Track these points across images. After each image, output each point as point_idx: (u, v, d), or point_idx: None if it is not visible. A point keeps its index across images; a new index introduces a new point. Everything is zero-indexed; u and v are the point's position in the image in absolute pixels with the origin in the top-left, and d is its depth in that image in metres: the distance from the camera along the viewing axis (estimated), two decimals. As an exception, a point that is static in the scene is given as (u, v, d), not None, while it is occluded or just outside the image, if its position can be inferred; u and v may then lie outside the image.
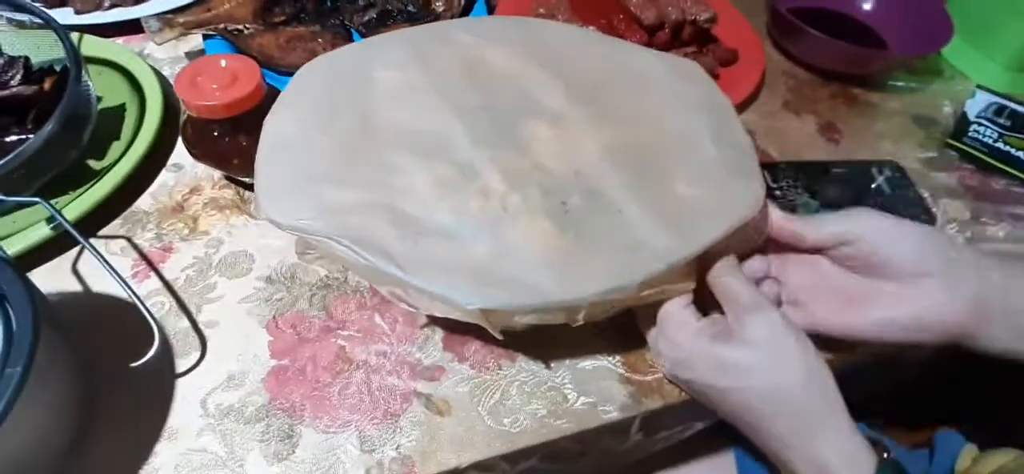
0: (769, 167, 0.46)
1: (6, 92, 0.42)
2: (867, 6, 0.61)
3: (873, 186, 0.46)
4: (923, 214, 0.44)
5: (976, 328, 0.31)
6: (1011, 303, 0.31)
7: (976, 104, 0.49)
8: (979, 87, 0.49)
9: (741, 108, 0.53)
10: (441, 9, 0.58)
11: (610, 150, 0.34)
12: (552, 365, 0.36)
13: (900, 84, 0.57)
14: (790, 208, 0.40)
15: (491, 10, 0.60)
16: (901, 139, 0.52)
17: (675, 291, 0.31)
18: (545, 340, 0.36)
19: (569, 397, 0.35)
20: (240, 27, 0.53)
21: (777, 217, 0.35)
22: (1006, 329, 0.31)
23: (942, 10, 0.56)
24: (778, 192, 0.45)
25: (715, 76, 0.54)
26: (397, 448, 0.33)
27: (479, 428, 0.33)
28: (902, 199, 0.45)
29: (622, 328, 0.37)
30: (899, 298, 0.32)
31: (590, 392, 0.35)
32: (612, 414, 0.35)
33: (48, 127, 0.38)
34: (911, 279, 0.32)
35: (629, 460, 0.40)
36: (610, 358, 0.37)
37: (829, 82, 0.57)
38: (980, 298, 0.31)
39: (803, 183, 0.45)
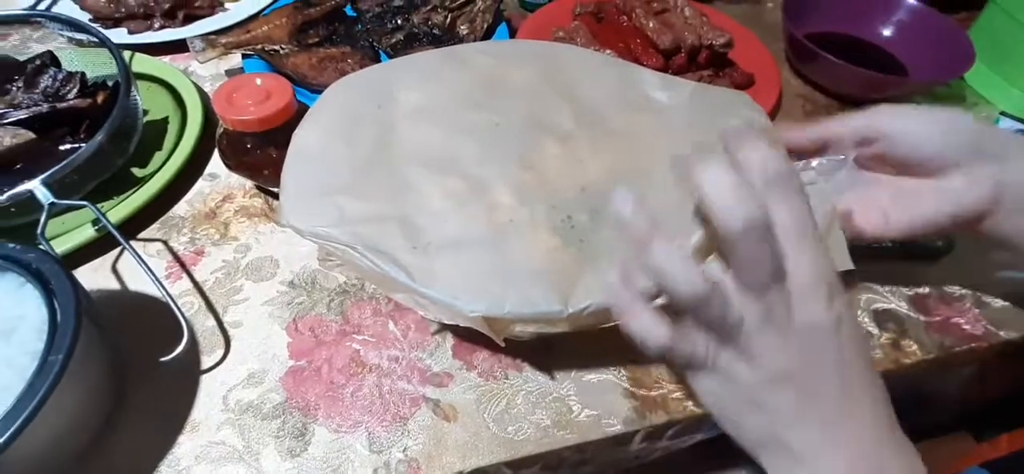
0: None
1: (64, 104, 0.46)
2: (887, 32, 0.61)
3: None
4: (940, 239, 0.44)
5: (996, 210, 0.31)
6: None
7: (999, 131, 0.48)
8: (1003, 114, 0.49)
9: (757, 132, 0.53)
10: (465, 32, 0.61)
11: (616, 170, 0.35)
12: (557, 376, 0.37)
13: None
14: None
15: (512, 34, 0.62)
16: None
17: None
18: (552, 351, 0.37)
19: (573, 409, 0.36)
20: (276, 48, 0.57)
21: (795, 132, 0.34)
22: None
23: (963, 36, 0.56)
24: None
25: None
26: (404, 450, 0.34)
27: (484, 435, 0.34)
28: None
29: (628, 342, 0.37)
30: (923, 190, 0.32)
31: (594, 405, 0.36)
32: (615, 427, 0.35)
33: (99, 137, 0.42)
34: (936, 169, 0.32)
35: (631, 466, 0.40)
36: (615, 371, 0.37)
37: (847, 107, 0.57)
38: (1003, 180, 0.31)
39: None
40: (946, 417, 0.55)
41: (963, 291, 0.42)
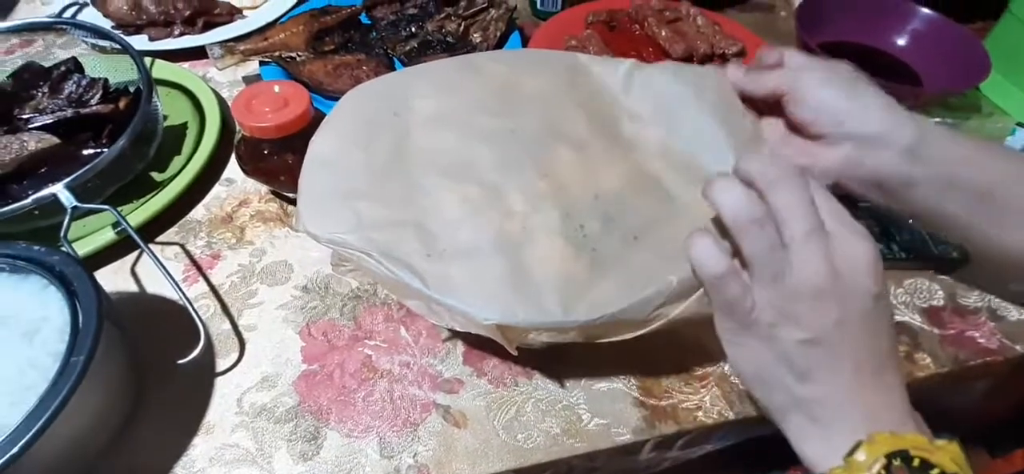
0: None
1: (87, 110, 0.47)
2: (901, 41, 0.60)
3: (902, 222, 0.45)
4: (954, 251, 0.43)
5: (907, 179, 0.33)
6: (942, 153, 0.33)
7: (1016, 141, 0.48)
8: (1019, 124, 0.48)
9: (769, 141, 0.53)
10: (478, 40, 0.61)
11: (629, 178, 0.35)
12: (568, 384, 0.37)
13: (936, 120, 0.56)
14: None
15: (525, 42, 0.63)
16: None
17: (683, 320, 0.32)
18: (562, 359, 0.37)
19: (583, 417, 0.36)
20: (293, 55, 0.58)
21: (730, 72, 0.38)
22: (934, 183, 0.33)
23: (979, 46, 0.55)
24: None
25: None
26: (414, 456, 0.34)
27: (494, 442, 0.35)
28: (933, 236, 0.44)
29: (639, 351, 0.37)
30: (836, 146, 0.35)
31: (604, 413, 0.36)
32: (625, 437, 0.35)
33: (120, 142, 0.43)
34: (844, 127, 0.34)
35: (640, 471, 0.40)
36: (626, 380, 0.37)
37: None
38: (914, 149, 0.33)
39: None
40: (960, 431, 0.54)
41: (978, 304, 0.42)
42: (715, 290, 0.28)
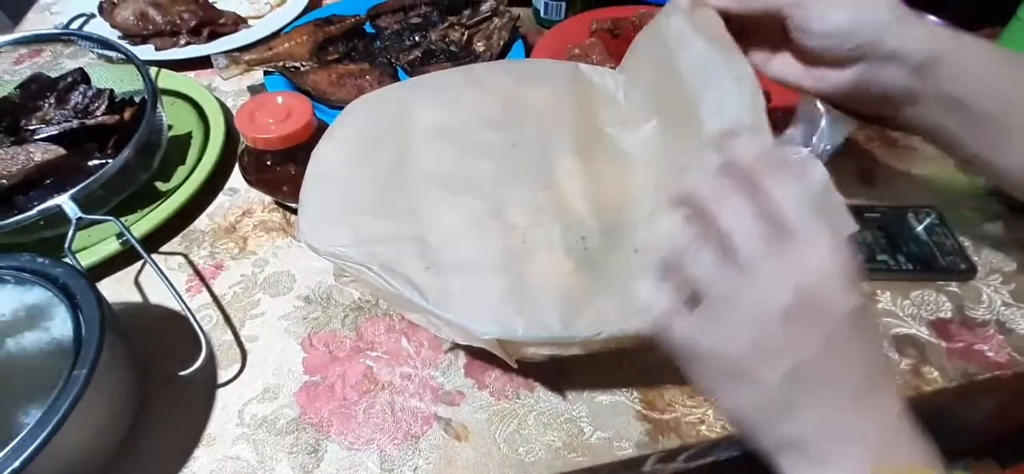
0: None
1: (93, 121, 0.47)
2: (909, 50, 0.60)
3: (909, 232, 0.45)
4: (962, 263, 0.43)
5: (912, 96, 0.32)
6: (952, 70, 0.32)
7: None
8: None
9: (774, 150, 0.53)
10: (481, 50, 0.61)
11: (631, 191, 0.35)
12: (570, 397, 0.37)
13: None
14: None
15: (528, 51, 0.63)
16: (944, 186, 0.51)
17: None
18: (564, 372, 0.37)
19: (585, 431, 0.35)
20: (297, 64, 0.58)
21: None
22: (937, 101, 0.32)
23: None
24: None
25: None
26: (415, 469, 0.34)
27: (495, 455, 0.34)
28: (940, 247, 0.44)
29: (642, 364, 0.37)
30: (846, 67, 0.33)
31: (606, 427, 0.36)
32: (627, 451, 0.35)
33: (125, 153, 0.43)
34: (858, 48, 0.33)
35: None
36: (628, 393, 0.37)
37: (866, 124, 0.56)
38: (924, 66, 0.32)
39: None
40: (970, 443, 0.54)
41: (987, 316, 0.41)
42: (663, 336, 0.25)
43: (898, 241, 0.44)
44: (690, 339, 0.24)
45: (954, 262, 0.43)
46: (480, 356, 0.38)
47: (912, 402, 0.37)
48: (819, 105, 0.34)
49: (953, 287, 0.43)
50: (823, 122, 0.33)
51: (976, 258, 0.44)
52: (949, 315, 0.41)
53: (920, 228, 0.45)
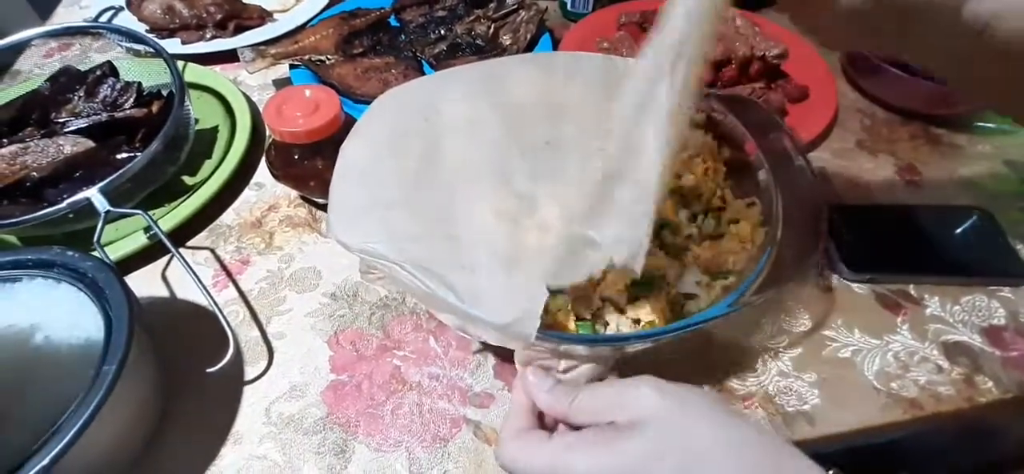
0: (837, 209, 0.44)
1: (122, 114, 0.47)
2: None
3: (957, 233, 0.43)
4: (1014, 265, 0.41)
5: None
6: None
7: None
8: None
9: (811, 146, 0.51)
10: (508, 43, 0.60)
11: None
12: (602, 402, 0.36)
13: (991, 126, 0.53)
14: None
15: (555, 44, 0.61)
16: (991, 185, 0.48)
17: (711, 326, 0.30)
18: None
19: (618, 437, 0.34)
20: (323, 58, 0.57)
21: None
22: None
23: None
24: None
25: (784, 113, 0.52)
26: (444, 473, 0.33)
27: (526, 460, 0.33)
28: (990, 248, 0.42)
29: (676, 371, 0.36)
30: None
31: (640, 433, 0.34)
32: (663, 458, 0.34)
33: (153, 146, 0.43)
34: None
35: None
36: (663, 400, 0.36)
37: (909, 122, 0.54)
38: None
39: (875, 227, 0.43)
40: (1021, 451, 0.51)
41: (1044, 324, 0.39)
42: None
43: (945, 243, 0.42)
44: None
45: (1005, 265, 0.41)
46: (510, 358, 0.37)
47: (962, 413, 0.35)
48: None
49: (1006, 292, 0.41)
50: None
51: (1033, 263, 0.42)
52: (1003, 322, 0.39)
53: (968, 228, 0.43)
